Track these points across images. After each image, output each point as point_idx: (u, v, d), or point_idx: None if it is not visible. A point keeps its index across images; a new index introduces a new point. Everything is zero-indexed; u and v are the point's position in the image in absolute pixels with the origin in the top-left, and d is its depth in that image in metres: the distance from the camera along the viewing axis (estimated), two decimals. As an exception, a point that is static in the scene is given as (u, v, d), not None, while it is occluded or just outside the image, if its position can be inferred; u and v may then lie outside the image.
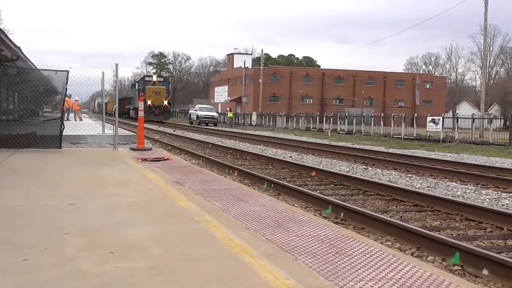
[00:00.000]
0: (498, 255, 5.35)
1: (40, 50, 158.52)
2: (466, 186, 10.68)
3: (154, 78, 65.42)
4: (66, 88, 15.39)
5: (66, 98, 17.86)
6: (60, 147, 14.24)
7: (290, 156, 16.98)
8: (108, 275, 3.75)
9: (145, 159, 12.04)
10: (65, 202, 6.55)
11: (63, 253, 4.30)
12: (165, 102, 59.40)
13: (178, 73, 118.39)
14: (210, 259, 4.19)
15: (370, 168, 13.81)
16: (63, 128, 14.71)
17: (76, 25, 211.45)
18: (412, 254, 5.78)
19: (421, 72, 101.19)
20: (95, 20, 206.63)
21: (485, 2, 38.04)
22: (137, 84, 67.72)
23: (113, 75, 16.31)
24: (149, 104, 54.08)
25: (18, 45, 18.60)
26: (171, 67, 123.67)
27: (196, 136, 28.01)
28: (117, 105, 17.07)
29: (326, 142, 24.14)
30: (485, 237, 6.64)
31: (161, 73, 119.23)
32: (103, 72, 17.72)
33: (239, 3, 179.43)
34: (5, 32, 19.03)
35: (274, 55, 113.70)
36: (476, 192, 10.00)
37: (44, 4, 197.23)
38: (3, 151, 12.84)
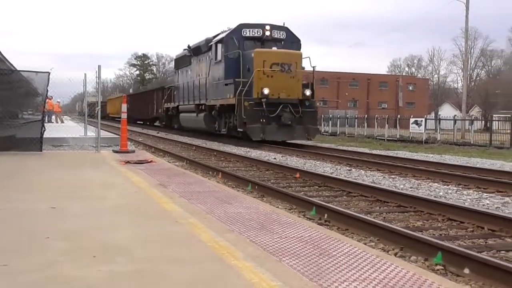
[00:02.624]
0: (479, 254, 5.40)
1: (19, 51, 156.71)
2: (448, 187, 10.75)
3: (267, 28, 24.75)
4: (47, 90, 15.23)
5: (47, 100, 17.69)
6: (41, 150, 14.09)
7: (274, 158, 16.97)
8: (91, 279, 3.72)
9: (128, 162, 11.98)
10: (46, 206, 6.49)
11: (44, 258, 4.25)
12: (307, 93, 23.61)
13: (162, 75, 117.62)
14: (195, 262, 4.19)
15: (354, 170, 13.85)
16: (44, 130, 14.54)
17: (57, 26, 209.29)
18: (395, 254, 5.80)
19: (404, 74, 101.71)
20: (77, 21, 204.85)
21: (467, 6, 38.42)
22: (218, 47, 25.41)
23: (96, 77, 16.19)
24: (264, 95, 22.25)
25: None
26: (154, 69, 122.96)
27: (180, 139, 27.92)
28: (99, 107, 16.93)
29: (310, 143, 24.14)
30: (467, 236, 6.68)
31: (145, 75, 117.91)
32: (85, 74, 17.60)
33: (221, 5, 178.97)
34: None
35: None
36: (457, 192, 10.07)
37: (23, 4, 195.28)
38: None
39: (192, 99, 29.67)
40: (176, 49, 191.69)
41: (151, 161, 12.55)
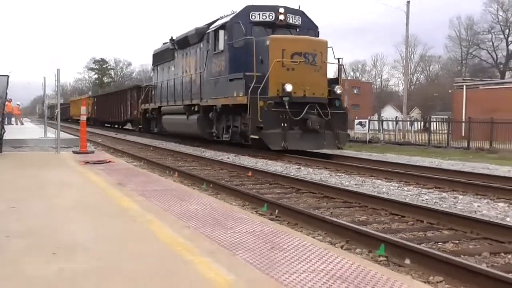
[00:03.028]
0: (419, 246, 5.52)
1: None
2: (390, 183, 10.94)
3: (281, 11, 18.55)
4: (7, 93, 14.93)
5: (6, 103, 17.36)
6: (1, 151, 13.77)
7: (228, 158, 16.96)
8: (52, 276, 3.65)
9: (87, 162, 11.80)
10: (6, 205, 6.32)
11: (4, 256, 4.16)
12: (338, 91, 18.31)
13: (120, 78, 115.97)
14: (153, 258, 4.15)
15: (302, 168, 13.96)
16: (4, 132, 14.25)
17: (16, 30, 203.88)
18: (341, 247, 5.87)
19: (349, 78, 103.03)
20: (36, 25, 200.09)
21: (407, 15, 39.26)
22: (220, 34, 19.17)
23: (55, 80, 15.96)
24: (286, 93, 16.52)
25: None
26: (112, 73, 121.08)
27: (139, 140, 27.59)
28: (59, 109, 16.68)
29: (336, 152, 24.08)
30: (407, 229, 6.80)
31: (103, 79, 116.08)
32: (44, 77, 17.30)
33: (176, 12, 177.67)
34: None
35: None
36: (399, 188, 10.26)
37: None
38: None
39: (179, 99, 23.62)
40: (133, 54, 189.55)
41: (110, 162, 12.38)
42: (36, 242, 4.64)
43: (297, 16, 19.05)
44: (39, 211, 6.13)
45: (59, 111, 16.47)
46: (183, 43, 23.69)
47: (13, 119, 34.00)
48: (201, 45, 21.40)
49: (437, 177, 11.20)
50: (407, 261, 5.19)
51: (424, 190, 10.08)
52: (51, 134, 17.63)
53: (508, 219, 7.33)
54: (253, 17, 18.42)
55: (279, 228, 5.45)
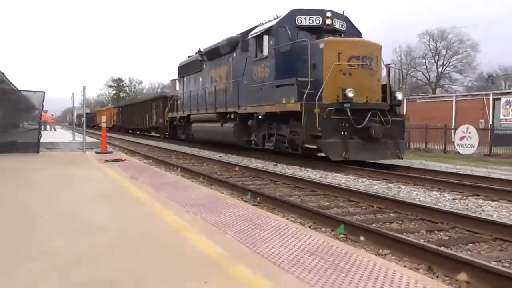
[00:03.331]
0: (370, 226, 5.55)
1: (21, 75, 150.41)
2: (347, 176, 10.98)
3: (329, 15, 14.59)
4: (43, 105, 14.91)
5: (42, 113, 17.31)
6: (38, 152, 13.65)
7: (220, 156, 16.91)
8: (77, 250, 3.60)
9: (107, 160, 11.70)
10: (43, 193, 6.27)
11: (39, 233, 4.11)
12: (399, 97, 14.15)
13: (133, 94, 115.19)
14: (159, 237, 4.12)
15: (278, 165, 13.96)
16: (41, 137, 14.22)
17: (49, 53, 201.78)
18: (310, 227, 5.88)
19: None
20: (67, 52, 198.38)
21: None
22: (264, 40, 14.98)
23: (81, 96, 15.95)
24: (348, 99, 12.42)
25: (1, 71, 17.98)
26: (127, 89, 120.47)
27: (148, 142, 27.41)
28: (84, 118, 16.77)
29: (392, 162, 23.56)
30: (361, 213, 6.82)
31: (120, 94, 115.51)
32: (73, 93, 17.28)
33: (177, 45, 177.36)
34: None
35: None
36: (354, 181, 10.30)
37: (23, 39, 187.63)
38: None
39: (211, 107, 19.47)
40: (144, 73, 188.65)
41: (125, 160, 12.28)
42: (65, 222, 4.58)
43: (342, 21, 15.22)
44: (68, 198, 6.07)
45: (85, 120, 16.48)
46: (212, 54, 19.93)
47: (48, 126, 33.65)
48: (234, 54, 17.68)
49: (384, 172, 11.26)
50: (362, 238, 5.20)
51: (374, 181, 10.13)
52: (78, 138, 17.53)
53: (440, 204, 7.40)
54: (299, 21, 14.60)
55: (260, 212, 5.44)
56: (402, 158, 13.51)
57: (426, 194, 8.43)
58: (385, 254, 4.68)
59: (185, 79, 24.39)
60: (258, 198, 7.71)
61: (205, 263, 3.32)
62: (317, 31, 14.49)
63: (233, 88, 17.41)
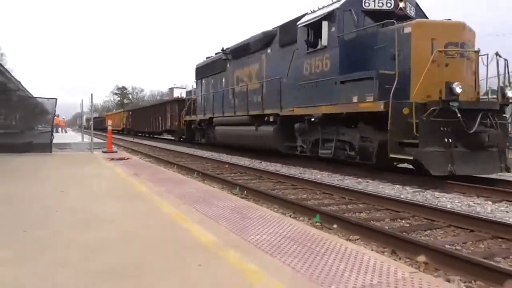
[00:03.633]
0: (342, 215, 5.59)
1: (34, 83, 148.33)
2: (323, 172, 11.04)
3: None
4: (55, 110, 14.87)
5: (55, 117, 17.24)
6: (51, 151, 13.52)
7: (212, 155, 16.87)
8: (89, 240, 3.58)
9: (112, 159, 11.61)
10: (57, 190, 6.19)
11: (54, 226, 4.06)
12: (510, 93, 8.91)
13: (136, 100, 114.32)
14: (159, 226, 4.11)
15: (263, 162, 13.98)
16: (53, 138, 14.14)
17: (59, 64, 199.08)
18: (290, 216, 5.90)
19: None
20: (76, 62, 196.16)
21: None
22: (323, 26, 10.47)
23: (90, 102, 15.87)
24: (455, 95, 7.96)
25: (18, 79, 17.90)
26: (130, 96, 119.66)
27: (148, 143, 27.22)
28: (92, 122, 16.72)
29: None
30: (335, 204, 6.86)
31: (123, 101, 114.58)
32: (82, 100, 17.17)
33: (176, 55, 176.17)
34: (9, 71, 18.31)
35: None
36: (329, 176, 10.35)
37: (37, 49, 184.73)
38: (9, 155, 12.04)
39: (242, 109, 15.54)
40: (145, 82, 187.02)
41: (128, 158, 12.18)
42: (77, 215, 4.53)
43: (413, 6, 11.24)
44: (79, 193, 6.01)
45: (92, 123, 16.42)
46: (239, 52, 16.27)
47: (59, 129, 33.31)
48: (269, 50, 14.16)
49: (354, 168, 11.31)
50: (335, 226, 5.24)
51: (347, 177, 10.19)
52: (87, 139, 17.39)
53: (402, 196, 7.48)
54: (367, 4, 10.80)
55: (247, 204, 5.44)
56: (510, 171, 9.27)
57: (390, 187, 8.51)
58: (355, 240, 4.73)
59: (204, 80, 20.37)
60: (245, 191, 7.72)
61: (199, 248, 3.32)
62: (386, 17, 10.40)
63: (271, 87, 13.62)
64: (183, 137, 24.04)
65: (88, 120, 40.19)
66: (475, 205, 6.63)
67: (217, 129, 17.74)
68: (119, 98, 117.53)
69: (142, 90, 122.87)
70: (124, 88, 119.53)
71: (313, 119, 11.28)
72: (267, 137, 13.68)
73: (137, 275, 2.77)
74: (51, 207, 4.96)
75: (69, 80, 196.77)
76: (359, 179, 9.66)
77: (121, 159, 11.62)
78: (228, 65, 17.45)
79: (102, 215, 4.55)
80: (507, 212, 6.10)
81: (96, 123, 43.21)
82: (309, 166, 12.16)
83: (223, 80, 17.92)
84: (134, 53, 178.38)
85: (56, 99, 14.25)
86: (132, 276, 2.76)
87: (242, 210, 4.83)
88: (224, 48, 17.60)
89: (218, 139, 17.96)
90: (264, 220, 4.33)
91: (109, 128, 15.89)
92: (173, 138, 27.79)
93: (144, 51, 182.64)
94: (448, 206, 6.46)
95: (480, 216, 5.44)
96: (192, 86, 23.65)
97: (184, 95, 28.64)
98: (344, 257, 3.12)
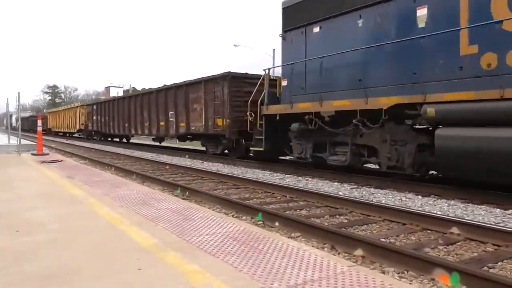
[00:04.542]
0: (283, 213, 5.69)
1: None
2: (264, 171, 11.17)
3: None
4: None
5: None
6: None
7: (151, 156, 16.48)
8: (17, 248, 3.35)
9: (44, 161, 10.96)
10: (-21, 195, 5.73)
11: (-22, 234, 3.76)
12: None
13: (69, 99, 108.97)
14: (96, 230, 3.93)
15: (205, 163, 13.89)
16: None
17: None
18: (232, 216, 5.92)
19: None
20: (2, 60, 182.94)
21: (273, 58, 38.82)
22: None
23: (17, 101, 14.90)
24: None
25: None
26: (63, 95, 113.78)
27: (84, 144, 26.01)
28: (20, 122, 15.68)
29: (175, 145, 23.68)
30: (277, 202, 6.98)
31: (55, 100, 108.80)
32: (7, 99, 16.07)
33: (114, 53, 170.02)
34: None
35: (139, 87, 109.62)
36: (270, 175, 10.50)
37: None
38: None
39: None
40: (79, 81, 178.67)
41: (61, 161, 11.57)
42: (3, 222, 4.22)
43: None
44: (6, 198, 5.60)
45: (20, 124, 15.43)
46: None
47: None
48: None
49: (295, 167, 11.55)
50: (277, 224, 5.32)
51: (287, 175, 10.38)
52: (14, 141, 16.28)
53: (340, 192, 7.74)
54: None
55: (189, 205, 5.37)
56: None
57: (329, 185, 8.78)
58: (297, 237, 4.82)
59: (315, 28, 9.88)
60: (187, 192, 7.62)
61: (139, 252, 3.22)
62: None
63: None
64: (261, 149, 11.70)
65: (24, 119, 36.97)
66: (407, 199, 7.02)
67: (451, 136, 6.74)
68: (50, 97, 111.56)
69: (76, 89, 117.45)
70: (55, 86, 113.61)
71: None
72: None
73: (71, 280, 2.64)
74: (-26, 214, 4.58)
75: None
76: (299, 177, 9.88)
77: (54, 162, 11.02)
78: None
79: (33, 220, 4.27)
80: (434, 205, 6.52)
81: (33, 124, 38.72)
82: (251, 166, 12.25)
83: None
84: (66, 51, 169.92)
85: None
86: (66, 281, 2.62)
87: (184, 211, 4.76)
88: None
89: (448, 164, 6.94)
90: (206, 221, 4.29)
91: (39, 129, 14.96)
92: (213, 151, 15.14)
93: (77, 49, 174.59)
94: (383, 201, 6.78)
95: (411, 210, 5.77)
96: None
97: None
98: (286, 254, 3.16)
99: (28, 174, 8.34)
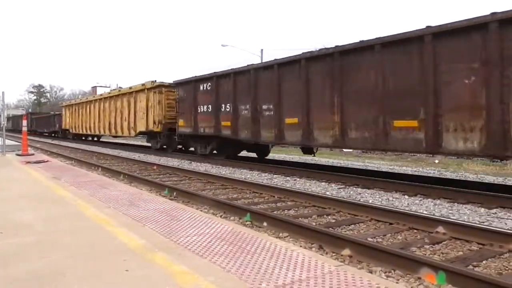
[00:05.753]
0: (271, 213, 5.70)
1: None
2: (252, 172, 11.18)
3: None
4: None
5: None
6: None
7: (139, 156, 16.36)
8: (1, 250, 3.29)
9: (29, 162, 10.80)
10: (-37, 197, 5.62)
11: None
12: None
13: (54, 99, 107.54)
14: (82, 231, 3.89)
15: (193, 163, 13.84)
16: None
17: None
18: (220, 216, 5.90)
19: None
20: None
21: (261, 58, 39.01)
22: None
23: (0, 100, 14.61)
24: None
25: None
26: (48, 95, 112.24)
27: (70, 144, 25.68)
28: (5, 122, 15.36)
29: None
30: (264, 202, 6.99)
31: (40, 99, 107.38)
32: None
33: (101, 52, 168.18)
34: None
35: (126, 86, 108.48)
36: (258, 175, 10.51)
37: None
38: None
39: None
40: (65, 81, 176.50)
41: (47, 161, 11.42)
42: (-14, 224, 4.15)
43: None
44: (-11, 200, 5.50)
45: (5, 124, 15.14)
46: None
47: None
48: None
49: (282, 167, 11.61)
50: (265, 224, 5.32)
51: (275, 175, 10.40)
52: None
53: (328, 192, 7.78)
54: None
55: (176, 205, 5.34)
56: None
57: (316, 185, 8.82)
58: (285, 237, 4.83)
59: None
60: (175, 193, 7.58)
61: (126, 253, 3.20)
62: None
63: None
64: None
65: (13, 117, 35.82)
66: (394, 199, 7.09)
67: None
68: (35, 97, 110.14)
69: (61, 89, 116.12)
70: (41, 86, 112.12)
71: None
72: None
73: (57, 282, 2.60)
74: (-43, 215, 4.49)
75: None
76: (287, 178, 9.91)
77: (39, 162, 10.87)
78: None
79: (18, 221, 4.21)
80: (421, 205, 6.60)
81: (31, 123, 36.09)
82: (239, 166, 12.25)
83: None
84: (51, 50, 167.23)
85: None
86: (52, 283, 2.59)
87: (171, 212, 4.74)
88: None
89: None
90: (194, 221, 4.28)
91: (24, 129, 14.74)
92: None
93: (63, 48, 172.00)
94: (370, 201, 6.84)
95: (398, 209, 5.83)
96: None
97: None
98: (274, 255, 3.17)
99: (13, 175, 8.21)
